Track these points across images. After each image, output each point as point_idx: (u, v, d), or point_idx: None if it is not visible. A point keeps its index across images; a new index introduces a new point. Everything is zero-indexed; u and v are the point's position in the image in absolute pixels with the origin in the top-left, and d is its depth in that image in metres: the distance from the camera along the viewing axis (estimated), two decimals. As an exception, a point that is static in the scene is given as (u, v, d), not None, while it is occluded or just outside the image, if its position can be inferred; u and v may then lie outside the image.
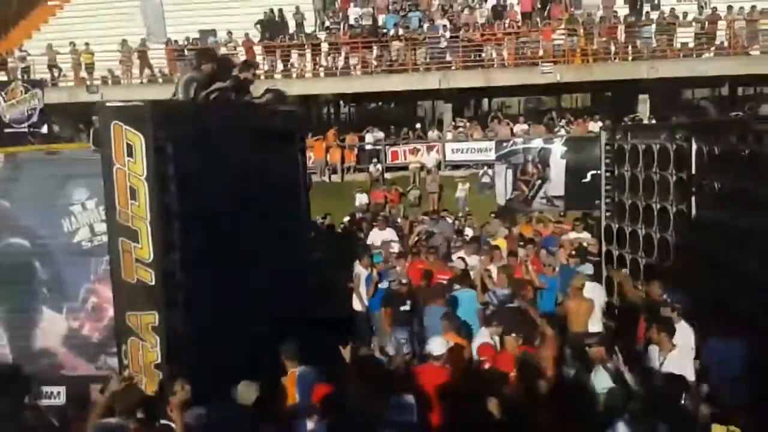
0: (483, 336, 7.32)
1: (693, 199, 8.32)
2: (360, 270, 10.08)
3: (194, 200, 5.66)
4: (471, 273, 9.73)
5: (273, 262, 6.98)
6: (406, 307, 8.81)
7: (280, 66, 23.70)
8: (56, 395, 6.54)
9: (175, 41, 24.23)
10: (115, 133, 5.31)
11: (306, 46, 23.78)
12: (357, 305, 9.96)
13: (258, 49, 23.57)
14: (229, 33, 24.01)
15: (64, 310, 6.67)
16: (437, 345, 6.42)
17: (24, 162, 6.81)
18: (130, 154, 5.30)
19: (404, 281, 9.30)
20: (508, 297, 8.76)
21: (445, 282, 9.39)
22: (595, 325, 8.41)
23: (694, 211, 8.32)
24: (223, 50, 23.84)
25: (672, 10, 22.98)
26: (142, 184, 5.32)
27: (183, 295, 5.54)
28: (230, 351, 5.75)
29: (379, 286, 9.74)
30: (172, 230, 5.47)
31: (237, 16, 25.57)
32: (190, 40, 24.32)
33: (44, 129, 23.06)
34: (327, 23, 25.36)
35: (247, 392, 5.35)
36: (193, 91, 6.51)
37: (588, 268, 9.49)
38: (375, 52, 23.44)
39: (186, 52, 23.99)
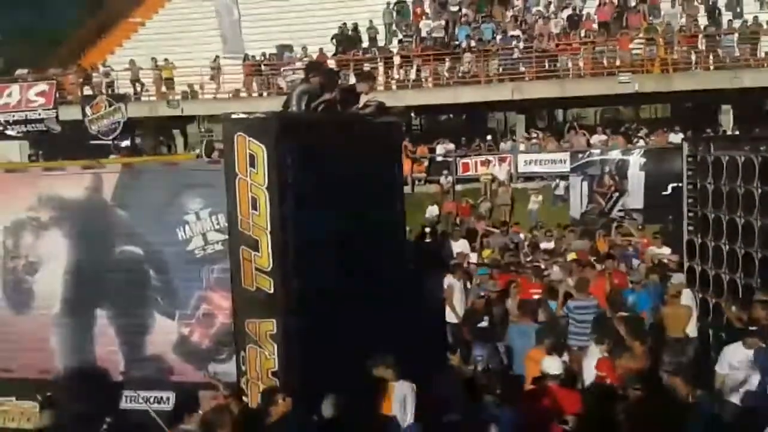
0: (594, 353, 7.21)
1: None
2: (453, 281, 10.10)
3: (310, 210, 5.81)
4: (554, 286, 9.69)
5: (376, 272, 7.08)
6: (484, 323, 8.77)
7: (352, 79, 24.01)
8: (165, 400, 6.76)
9: (252, 56, 24.92)
10: (238, 144, 5.48)
11: (378, 60, 24.06)
12: (451, 317, 9.95)
13: (332, 63, 24.01)
14: (304, 48, 24.54)
15: (176, 317, 6.87)
16: (554, 364, 6.34)
17: (141, 172, 7.07)
18: (252, 164, 5.47)
19: (482, 294, 9.28)
20: (589, 309, 8.66)
21: (535, 299, 9.29)
22: (692, 330, 8.48)
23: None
24: (298, 65, 24.51)
25: (755, 18, 22.15)
26: (263, 193, 5.48)
27: (301, 304, 5.67)
28: (341, 361, 5.85)
29: None
30: (291, 240, 5.60)
31: (312, 32, 26.10)
32: (267, 56, 24.95)
33: (127, 141, 24.28)
34: (400, 36, 25.61)
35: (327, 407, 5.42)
36: (305, 103, 6.69)
37: (680, 278, 9.40)
38: (447, 64, 23.49)
39: (262, 67, 24.64)
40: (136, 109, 23.84)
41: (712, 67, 21.82)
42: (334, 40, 25.22)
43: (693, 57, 22.02)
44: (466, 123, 28.00)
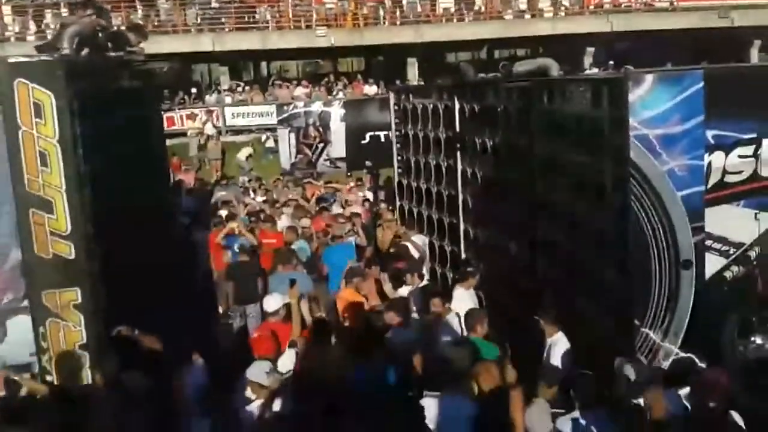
0: None
1: (458, 154, 9.01)
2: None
3: (101, 163, 5.26)
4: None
5: (152, 233, 6.61)
6: None
7: (16, 28, 21.56)
8: None
9: None
10: (19, 92, 4.74)
11: (62, 5, 21.70)
12: None
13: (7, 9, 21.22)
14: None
15: None
16: (273, 301, 6.51)
17: None
18: (38, 114, 4.77)
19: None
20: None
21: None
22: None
23: (460, 166, 9.09)
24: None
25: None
26: (54, 147, 4.81)
27: (105, 267, 5.14)
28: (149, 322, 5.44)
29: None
30: (89, 197, 5.01)
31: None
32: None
33: None
34: (84, -22, 23.32)
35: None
36: (76, 45, 5.85)
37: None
38: (140, 12, 22.12)
39: None
40: None
41: (398, 22, 23.57)
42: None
43: (381, 12, 23.54)
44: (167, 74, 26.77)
